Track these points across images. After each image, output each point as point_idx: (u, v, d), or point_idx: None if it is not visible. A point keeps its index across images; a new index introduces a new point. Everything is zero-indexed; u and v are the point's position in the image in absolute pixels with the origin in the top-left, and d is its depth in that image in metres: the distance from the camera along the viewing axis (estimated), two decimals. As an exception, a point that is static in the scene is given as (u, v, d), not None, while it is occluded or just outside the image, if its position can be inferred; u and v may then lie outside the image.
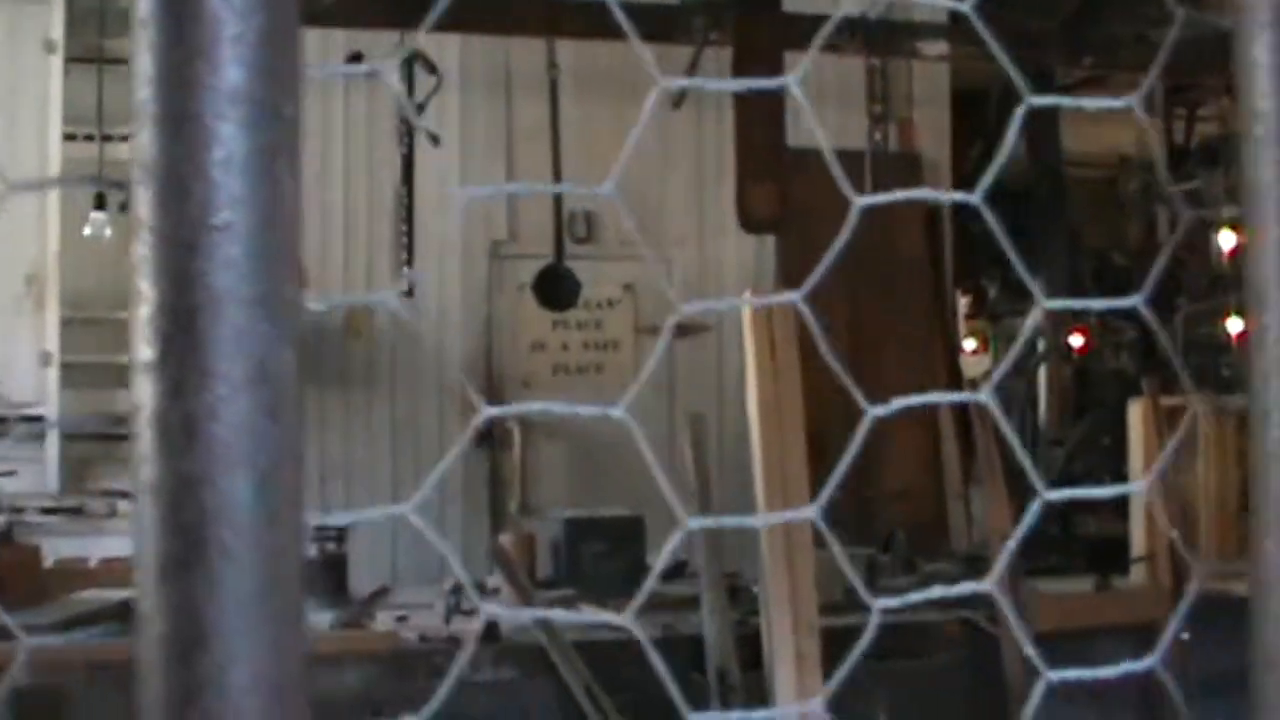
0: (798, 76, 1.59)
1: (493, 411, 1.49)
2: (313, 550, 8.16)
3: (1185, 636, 7.17)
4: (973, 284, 17.59)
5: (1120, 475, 8.40)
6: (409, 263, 11.43)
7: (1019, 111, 1.63)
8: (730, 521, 2.37)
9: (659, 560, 1.87)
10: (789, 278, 11.17)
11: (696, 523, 1.68)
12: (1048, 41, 11.94)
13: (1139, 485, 7.94)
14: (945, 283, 12.13)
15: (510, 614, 7.49)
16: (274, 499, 1.07)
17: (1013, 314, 16.76)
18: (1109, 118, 16.29)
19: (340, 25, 10.81)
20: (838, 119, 12.33)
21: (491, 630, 7.23)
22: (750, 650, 6.90)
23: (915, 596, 1.77)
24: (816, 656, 6.49)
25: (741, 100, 9.56)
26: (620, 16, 1.43)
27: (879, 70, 11.56)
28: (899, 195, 1.74)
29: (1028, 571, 7.68)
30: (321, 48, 11.72)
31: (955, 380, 11.97)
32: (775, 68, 9.56)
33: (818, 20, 10.99)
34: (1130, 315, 15.17)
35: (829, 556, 7.92)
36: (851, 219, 1.57)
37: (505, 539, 8.25)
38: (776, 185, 9.53)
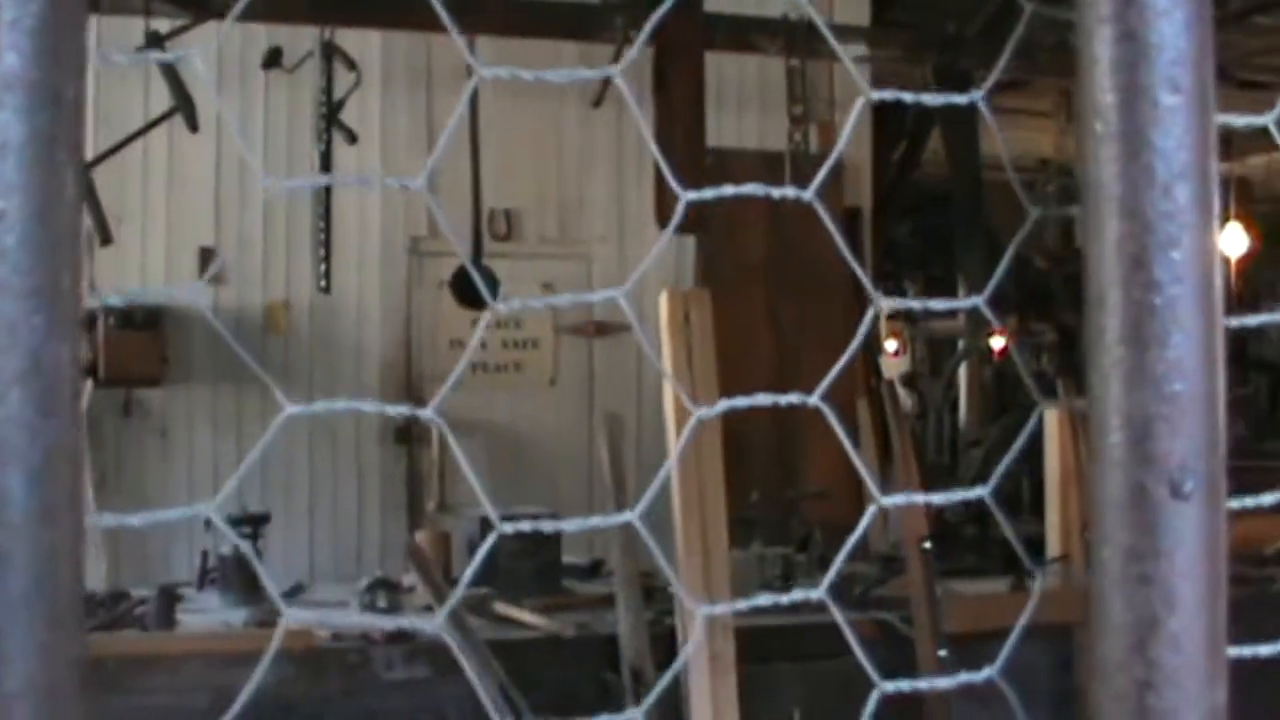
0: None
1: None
2: (227, 546, 8.11)
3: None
4: (894, 285, 17.68)
5: (1037, 476, 8.43)
6: (327, 258, 11.38)
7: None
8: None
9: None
10: (709, 278, 11.18)
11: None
12: (966, 45, 12.01)
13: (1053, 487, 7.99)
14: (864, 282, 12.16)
15: (427, 623, 7.46)
16: (47, 497, 1.05)
17: (931, 316, 16.86)
18: (1028, 122, 16.39)
19: (261, 20, 10.77)
20: (759, 121, 12.35)
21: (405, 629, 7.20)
22: (665, 650, 6.90)
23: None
24: (730, 656, 6.49)
25: (662, 100, 9.56)
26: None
27: (799, 72, 11.57)
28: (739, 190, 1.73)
29: (944, 572, 7.69)
30: (241, 42, 11.68)
31: (876, 381, 12.00)
32: (696, 67, 9.57)
33: (738, 20, 11.03)
34: (1048, 317, 15.29)
35: (744, 556, 7.94)
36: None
37: (420, 537, 8.22)
38: (694, 185, 9.54)
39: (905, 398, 13.87)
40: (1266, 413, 16.61)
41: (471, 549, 8.44)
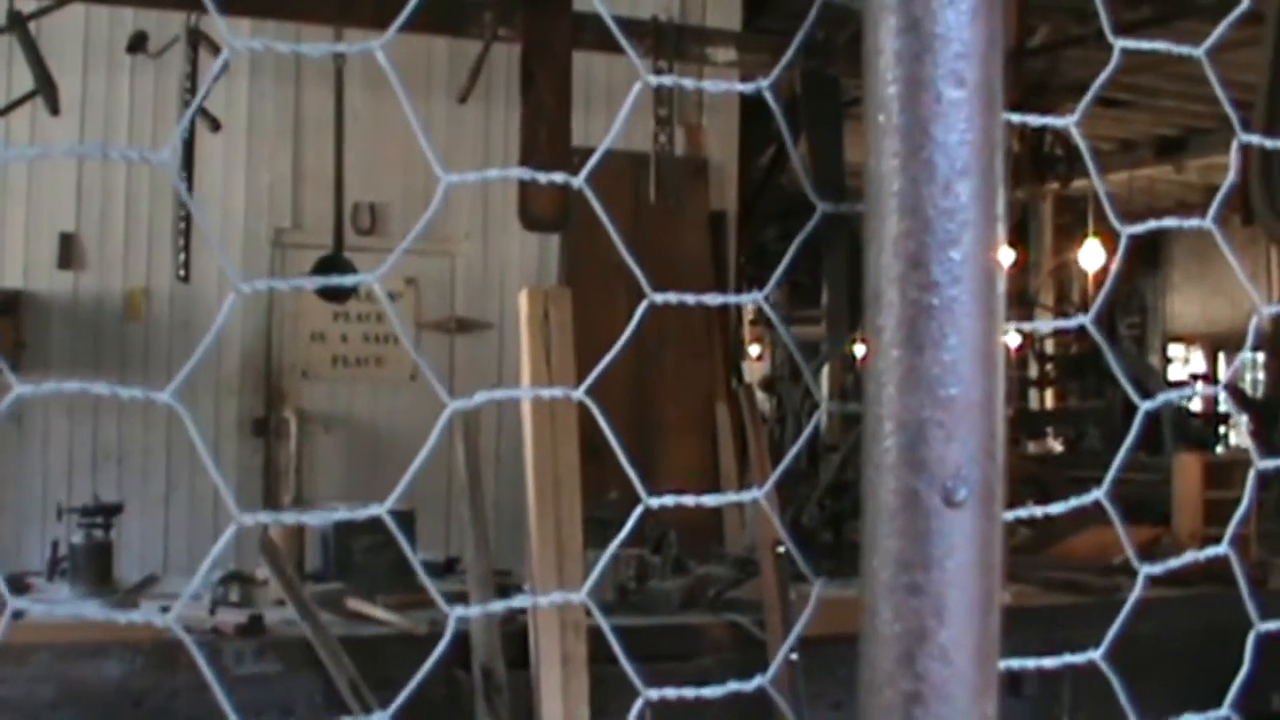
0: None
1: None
2: (79, 536, 8.03)
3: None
4: (759, 289, 17.76)
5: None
6: (186, 247, 11.28)
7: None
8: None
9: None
10: (572, 277, 11.19)
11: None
12: (835, 52, 12.08)
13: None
14: (728, 286, 12.21)
15: (278, 615, 7.42)
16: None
17: (793, 321, 16.96)
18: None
19: (127, 4, 10.67)
20: (631, 121, 12.37)
21: (255, 623, 7.16)
22: (517, 649, 6.89)
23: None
24: (583, 657, 6.50)
25: (528, 98, 9.55)
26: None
27: (667, 74, 11.60)
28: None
29: (798, 576, 7.74)
30: (109, 26, 11.57)
31: (737, 384, 12.05)
32: (564, 66, 9.57)
33: (606, 21, 11.05)
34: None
35: (599, 556, 7.95)
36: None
37: (274, 531, 8.17)
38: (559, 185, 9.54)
39: (764, 401, 13.94)
40: (1120, 424, 16.79)
41: (325, 544, 8.41)
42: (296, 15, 10.53)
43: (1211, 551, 2.15)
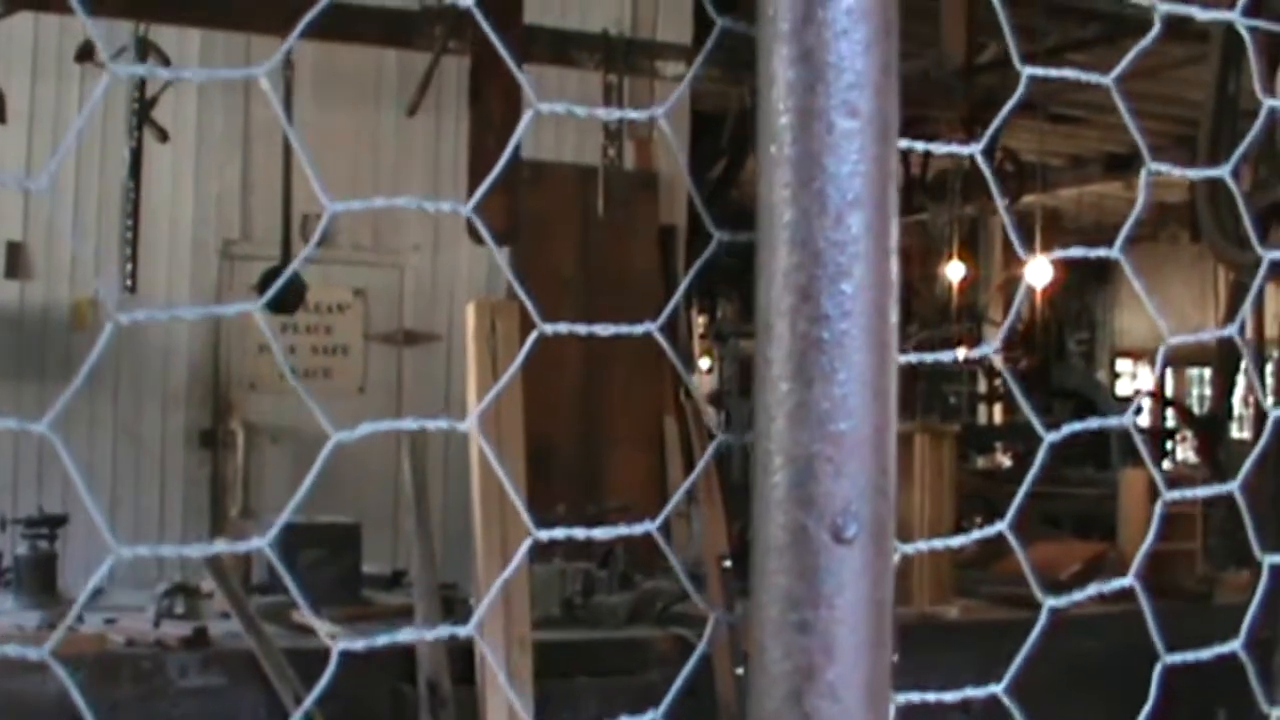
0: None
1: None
2: (23, 547, 7.98)
3: (895, 658, 7.27)
4: (709, 303, 17.75)
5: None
6: (133, 258, 11.21)
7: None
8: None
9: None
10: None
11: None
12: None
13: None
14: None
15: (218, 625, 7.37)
16: None
17: (740, 335, 16.95)
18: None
19: (74, 13, 10.60)
20: (577, 135, 12.36)
21: (201, 636, 7.12)
22: (462, 663, 6.87)
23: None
24: (528, 671, 6.49)
25: (477, 110, 9.53)
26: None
27: (615, 88, 11.60)
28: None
29: (744, 591, 7.73)
30: (58, 35, 11.50)
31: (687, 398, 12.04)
32: (513, 79, 9.56)
33: (557, 34, 11.04)
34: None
35: (545, 571, 7.94)
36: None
37: (219, 543, 8.12)
38: (508, 197, 9.52)
39: (712, 416, 13.93)
40: (1071, 440, 16.81)
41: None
42: (245, 26, 10.49)
43: (1117, 584, 2.14)
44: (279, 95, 11.13)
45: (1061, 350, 22.34)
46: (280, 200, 10.99)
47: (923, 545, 1.93)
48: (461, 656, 6.90)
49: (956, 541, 2.02)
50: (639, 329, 1.84)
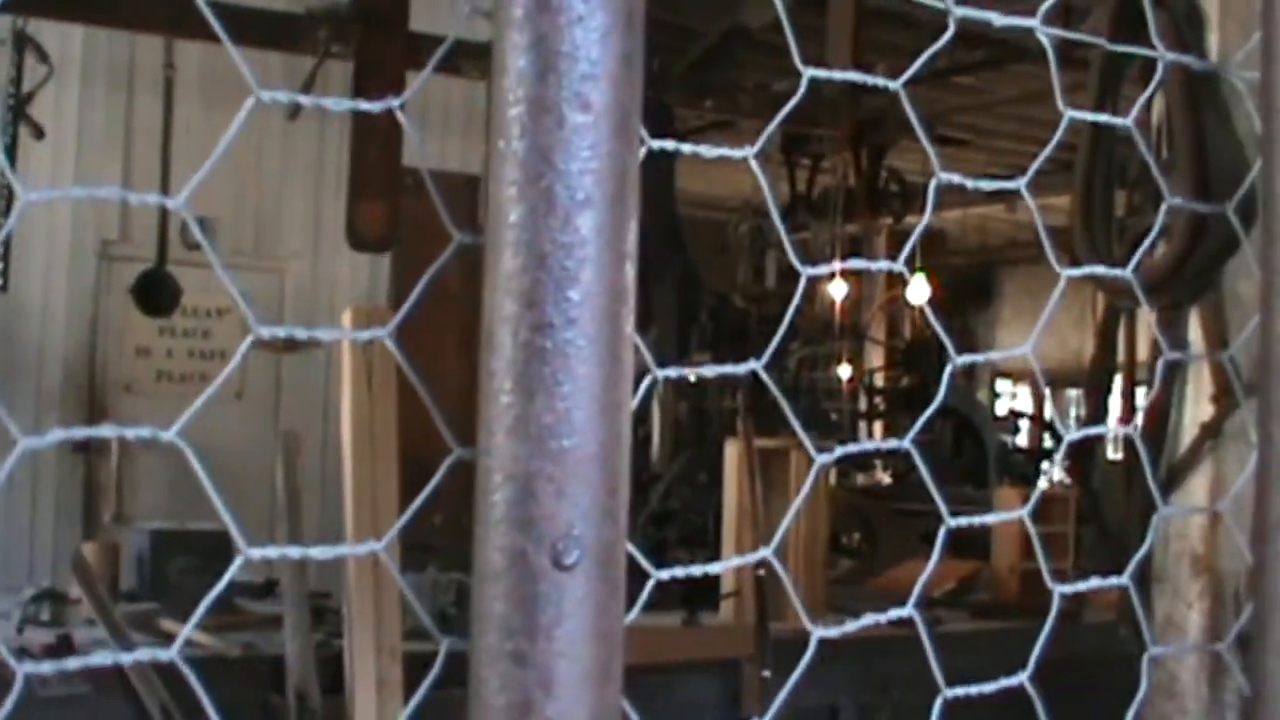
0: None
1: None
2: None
3: (766, 674, 7.29)
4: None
5: (716, 512, 8.50)
6: (5, 257, 11.06)
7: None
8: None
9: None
10: (401, 298, 11.07)
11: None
12: (671, 83, 12.11)
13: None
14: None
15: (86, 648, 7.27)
16: None
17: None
18: (732, 162, 16.60)
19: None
20: (462, 143, 12.32)
21: (64, 643, 7.01)
22: (332, 673, 6.80)
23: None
24: (398, 682, 6.42)
25: (358, 117, 9.46)
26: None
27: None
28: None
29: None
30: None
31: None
32: (397, 85, 9.49)
33: (442, 41, 10.99)
34: (743, 355, 15.43)
35: (418, 580, 7.87)
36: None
37: (87, 548, 8.01)
38: (387, 204, 9.45)
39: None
40: (949, 458, 16.91)
41: (141, 563, 8.27)
42: (128, 24, 10.37)
43: (894, 613, 2.13)
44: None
45: (942, 369, 22.47)
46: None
47: (678, 571, 1.85)
48: (331, 666, 6.83)
49: (715, 566, 1.99)
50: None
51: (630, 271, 1.34)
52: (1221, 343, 4.87)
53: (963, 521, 2.21)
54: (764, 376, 1.95)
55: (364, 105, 1.63)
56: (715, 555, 8.60)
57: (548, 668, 1.29)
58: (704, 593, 8.34)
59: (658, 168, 12.73)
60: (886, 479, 17.23)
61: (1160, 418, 5.22)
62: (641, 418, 14.72)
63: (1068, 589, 2.23)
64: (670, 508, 10.23)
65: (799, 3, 13.12)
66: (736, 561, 7.30)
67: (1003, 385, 30.08)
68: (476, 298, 1.63)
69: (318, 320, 12.56)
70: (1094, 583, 2.44)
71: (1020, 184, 2.35)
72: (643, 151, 1.58)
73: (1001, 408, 27.67)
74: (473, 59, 10.76)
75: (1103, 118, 5.01)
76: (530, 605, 1.29)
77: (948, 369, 2.44)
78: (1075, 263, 9.19)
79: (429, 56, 10.19)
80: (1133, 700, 2.38)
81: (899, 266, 2.25)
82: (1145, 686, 2.42)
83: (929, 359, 20.02)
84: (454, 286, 11.28)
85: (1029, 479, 15.51)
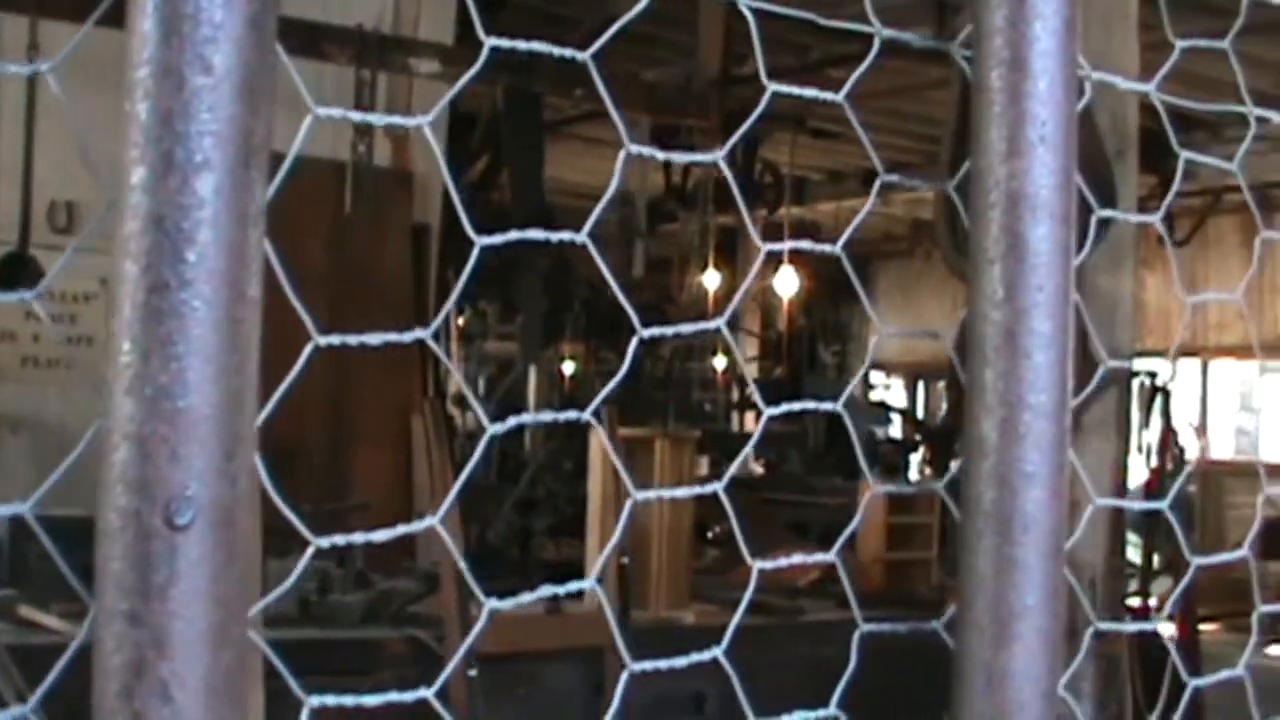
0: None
1: None
2: None
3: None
4: (469, 305, 17.70)
5: (581, 500, 8.51)
6: None
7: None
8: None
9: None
10: (266, 286, 10.99)
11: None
12: (540, 70, 12.10)
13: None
14: (428, 299, 12.08)
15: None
16: None
17: (499, 337, 16.93)
18: (610, 153, 16.60)
19: None
20: (331, 128, 12.23)
21: (-82, 630, 6.93)
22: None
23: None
24: (259, 670, 6.38)
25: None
26: None
27: (369, 84, 11.50)
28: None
29: (486, 592, 7.67)
30: None
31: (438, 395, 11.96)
32: (266, 71, 9.43)
33: (310, 27, 10.92)
34: (617, 345, 15.47)
35: (281, 566, 7.82)
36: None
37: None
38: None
39: (457, 417, 13.87)
40: (821, 450, 17.00)
41: (0, 549, 8.18)
42: (29, 10, 10.26)
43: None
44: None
45: (814, 361, 22.61)
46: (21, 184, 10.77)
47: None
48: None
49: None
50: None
51: (256, 234, 1.39)
52: (1080, 336, 4.91)
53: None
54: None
55: (13, 68, 1.62)
56: (580, 543, 8.62)
57: (162, 628, 1.29)
58: (570, 580, 8.33)
59: (526, 156, 12.73)
60: (759, 469, 17.31)
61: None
62: (514, 406, 14.71)
63: (769, 565, 2.25)
64: (536, 495, 10.23)
65: (672, -7, 13.16)
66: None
67: (876, 377, 30.29)
68: (340, 282, 1.62)
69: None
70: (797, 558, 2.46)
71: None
72: (308, 120, 1.61)
73: (874, 399, 27.90)
74: (338, 44, 10.71)
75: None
76: (144, 565, 1.30)
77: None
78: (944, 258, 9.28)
79: (298, 41, 10.10)
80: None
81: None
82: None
83: (801, 350, 20.15)
84: (317, 270, 11.27)
85: (895, 470, 15.64)
